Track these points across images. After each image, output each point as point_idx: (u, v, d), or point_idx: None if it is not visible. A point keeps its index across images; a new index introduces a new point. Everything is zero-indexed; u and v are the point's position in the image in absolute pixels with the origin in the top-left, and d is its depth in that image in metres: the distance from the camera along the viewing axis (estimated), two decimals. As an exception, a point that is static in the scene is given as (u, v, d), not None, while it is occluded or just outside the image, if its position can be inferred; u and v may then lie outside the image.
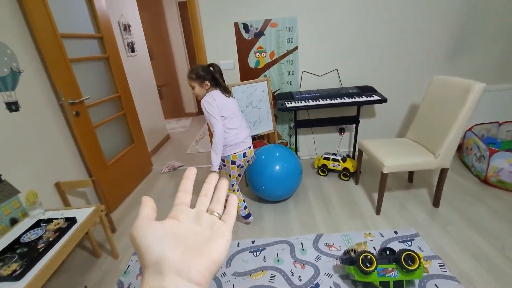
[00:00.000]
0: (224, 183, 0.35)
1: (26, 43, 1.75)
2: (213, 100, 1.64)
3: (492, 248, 1.65)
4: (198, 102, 3.75)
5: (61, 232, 1.44)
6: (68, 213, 1.64)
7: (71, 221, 1.53)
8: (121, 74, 2.59)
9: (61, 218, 1.55)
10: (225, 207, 0.34)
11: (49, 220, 1.55)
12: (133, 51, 3.17)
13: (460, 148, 2.62)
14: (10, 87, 1.62)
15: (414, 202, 2.14)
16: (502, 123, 2.62)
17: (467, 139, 2.53)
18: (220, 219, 0.32)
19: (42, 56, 1.81)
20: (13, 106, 1.63)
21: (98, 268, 1.78)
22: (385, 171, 1.85)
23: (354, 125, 2.67)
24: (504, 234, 1.74)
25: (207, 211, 0.32)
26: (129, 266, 1.76)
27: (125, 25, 3.03)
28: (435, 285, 1.45)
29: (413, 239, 1.77)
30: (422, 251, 1.67)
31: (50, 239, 1.40)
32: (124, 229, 2.15)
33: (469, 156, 2.50)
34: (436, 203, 2.04)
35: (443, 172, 1.92)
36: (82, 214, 1.62)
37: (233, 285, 1.55)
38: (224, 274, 1.63)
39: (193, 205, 0.33)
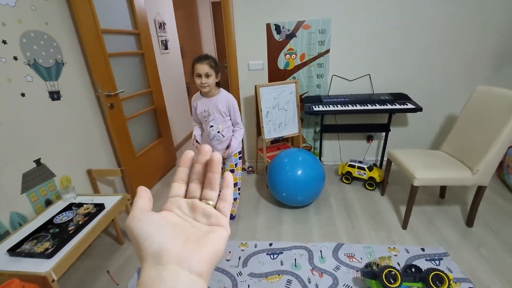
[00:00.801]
0: (218, 158, 0.31)
1: (71, 37, 1.87)
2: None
3: (533, 277, 1.50)
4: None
5: (90, 216, 1.52)
6: (97, 200, 1.72)
7: (100, 207, 1.60)
8: (154, 70, 2.69)
9: (91, 204, 1.63)
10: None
11: (80, 205, 1.63)
12: (166, 48, 3.28)
13: (500, 166, 2.42)
14: (54, 77, 1.74)
15: (445, 219, 2.00)
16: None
17: (508, 156, 2.33)
18: (215, 207, 0.30)
19: (84, 50, 1.93)
20: (55, 95, 1.75)
21: (121, 254, 1.86)
22: (415, 184, 1.75)
23: (384, 133, 2.56)
24: (548, 263, 1.57)
25: (200, 199, 0.30)
26: (149, 255, 1.82)
27: (160, 23, 3.14)
28: (465, 311, 1.35)
29: (442, 259, 1.65)
30: (451, 272, 1.56)
31: (80, 223, 1.48)
32: (146, 219, 2.22)
33: (510, 175, 2.30)
34: (470, 222, 1.89)
35: (480, 190, 1.78)
36: (110, 201, 1.70)
37: (249, 285, 1.54)
38: (240, 273, 1.63)
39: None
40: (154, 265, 0.22)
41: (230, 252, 1.80)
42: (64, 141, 1.82)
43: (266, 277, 1.59)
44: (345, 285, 1.52)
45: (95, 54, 1.95)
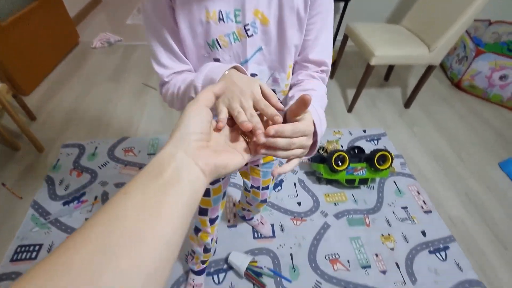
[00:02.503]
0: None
1: None
2: None
3: (450, 149, 1.68)
4: None
5: None
6: None
7: None
8: None
9: None
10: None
11: None
12: None
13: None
14: None
15: (386, 101, 2.01)
16: (493, 22, 2.37)
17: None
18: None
19: None
20: None
21: (18, 162, 1.43)
22: (372, 63, 1.57)
23: (342, 3, 2.16)
24: (464, 138, 1.77)
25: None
26: (59, 160, 1.44)
27: None
28: (394, 181, 1.48)
29: (380, 138, 1.71)
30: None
31: None
32: (46, 117, 1.69)
33: (450, 57, 2.32)
34: (408, 104, 1.94)
35: (430, 69, 1.72)
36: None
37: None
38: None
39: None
40: (173, 147, 0.26)
41: (165, 148, 1.53)
42: None
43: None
44: (291, 170, 1.49)
45: None
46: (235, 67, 0.42)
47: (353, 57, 2.40)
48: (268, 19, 0.48)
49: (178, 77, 0.51)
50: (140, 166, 1.43)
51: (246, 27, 0.48)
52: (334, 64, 2.11)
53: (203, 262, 0.99)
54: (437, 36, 1.56)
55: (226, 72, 0.41)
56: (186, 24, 0.47)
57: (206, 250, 0.91)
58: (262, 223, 1.23)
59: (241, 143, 0.33)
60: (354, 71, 2.27)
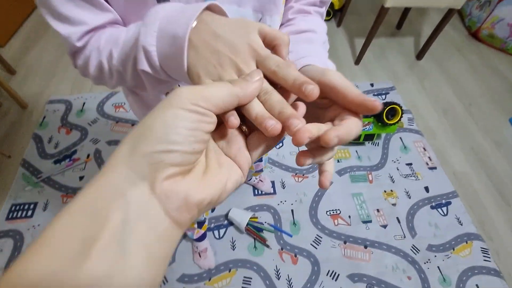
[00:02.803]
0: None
1: None
2: None
3: (460, 104, 1.59)
4: None
5: None
6: None
7: None
8: None
9: None
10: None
11: None
12: None
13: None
14: None
15: (397, 52, 1.85)
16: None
17: (477, -23, 2.03)
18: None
19: None
20: None
21: (2, 119, 1.34)
22: (387, 5, 1.38)
23: None
24: (476, 92, 1.66)
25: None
26: (45, 117, 1.35)
27: None
28: (400, 138, 1.41)
29: (388, 93, 1.60)
30: (395, 105, 1.55)
31: None
32: (27, 71, 1.55)
33: (470, 2, 2.09)
34: (420, 55, 1.78)
35: (450, 14, 1.54)
36: None
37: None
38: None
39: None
40: (130, 170, 0.14)
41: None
42: None
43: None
44: (293, 127, 1.41)
45: None
46: (208, 8, 0.24)
47: (363, 1, 2.15)
48: None
49: (101, 37, 0.30)
50: (133, 123, 1.35)
51: None
52: (342, 10, 1.89)
53: (199, 226, 0.96)
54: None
55: (194, 23, 0.23)
56: None
57: None
58: (262, 181, 1.19)
59: (237, 144, 0.21)
60: (364, 18, 2.05)
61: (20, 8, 1.79)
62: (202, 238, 1.00)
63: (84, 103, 1.40)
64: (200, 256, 1.00)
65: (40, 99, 1.42)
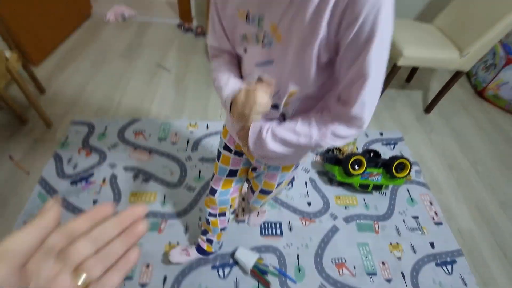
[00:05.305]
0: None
1: None
2: None
3: (466, 160, 1.63)
4: None
5: None
6: None
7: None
8: None
9: None
10: None
11: None
12: None
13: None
14: None
15: (406, 104, 1.94)
16: (527, 27, 2.24)
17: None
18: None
19: None
20: None
21: (25, 136, 1.40)
22: (400, 63, 1.49)
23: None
24: (481, 149, 1.71)
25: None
26: (67, 137, 1.41)
27: None
28: (407, 189, 1.44)
29: (397, 143, 1.66)
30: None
31: None
32: (56, 89, 1.65)
33: (476, 63, 2.21)
34: (428, 109, 1.87)
35: (457, 75, 1.64)
36: (-28, 61, 1.07)
37: (200, 171, 1.36)
38: (189, 158, 1.40)
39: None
40: None
41: (176, 134, 1.50)
42: None
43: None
44: (303, 168, 1.45)
45: None
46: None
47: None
48: (281, 36, 0.44)
49: (221, 63, 0.59)
50: (150, 151, 1.40)
51: (264, 35, 0.47)
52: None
53: (203, 233, 0.99)
54: (471, 41, 1.47)
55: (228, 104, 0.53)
56: (224, 15, 0.52)
57: (206, 219, 0.94)
58: (257, 213, 1.20)
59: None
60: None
61: (58, 32, 1.94)
62: (198, 249, 1.02)
63: (106, 127, 1.47)
64: (181, 251, 1.04)
65: (65, 119, 1.50)
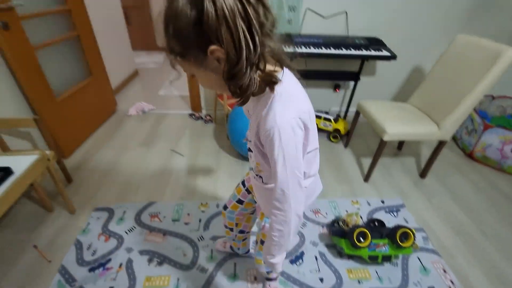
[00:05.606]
0: None
1: None
2: (299, 121, 0.56)
3: (471, 222, 1.66)
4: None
5: (-9, 186, 1.11)
6: (3, 161, 1.27)
7: (5, 172, 1.18)
8: (70, -21, 1.93)
9: (-10, 169, 1.19)
10: None
11: (-27, 170, 1.18)
12: (87, -51, 2.38)
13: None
14: None
15: (402, 171, 2.07)
16: (496, 97, 2.54)
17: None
18: None
19: None
20: None
21: (50, 224, 1.51)
22: (385, 139, 1.69)
23: (352, 82, 2.41)
24: (483, 209, 1.75)
25: None
26: (89, 224, 1.52)
27: None
28: (418, 257, 1.44)
29: (399, 210, 1.72)
30: (407, 222, 1.64)
31: (-25, 196, 1.07)
32: (81, 179, 1.83)
33: (458, 128, 2.44)
34: (423, 174, 1.99)
35: (441, 144, 1.82)
36: (22, 162, 1.27)
37: (212, 250, 1.41)
38: (202, 238, 1.47)
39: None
40: None
41: (189, 214, 1.60)
42: None
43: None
44: (311, 242, 1.49)
45: None
46: None
47: (366, 126, 2.55)
48: (250, 130, 0.69)
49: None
50: (164, 233, 1.48)
51: (249, 127, 0.71)
52: (348, 133, 2.25)
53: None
54: (445, 114, 1.69)
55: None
56: None
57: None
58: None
59: None
60: (367, 139, 2.40)
61: (88, 128, 2.26)
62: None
63: (124, 212, 1.59)
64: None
65: (88, 206, 1.63)
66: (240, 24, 0.42)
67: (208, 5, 0.40)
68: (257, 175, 0.75)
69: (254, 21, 0.43)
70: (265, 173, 0.71)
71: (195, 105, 2.67)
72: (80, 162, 1.98)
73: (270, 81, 0.52)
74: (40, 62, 1.70)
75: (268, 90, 0.54)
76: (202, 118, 2.59)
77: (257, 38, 0.44)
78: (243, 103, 0.53)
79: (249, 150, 0.73)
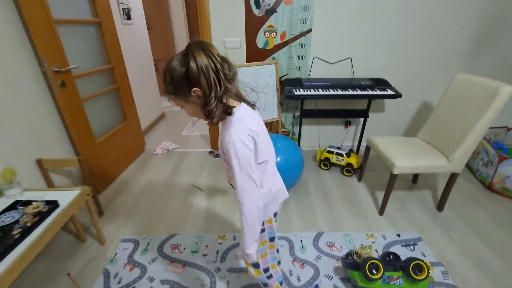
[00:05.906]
0: None
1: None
2: (248, 137, 0.78)
3: (494, 256, 1.60)
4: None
5: (41, 217, 1.29)
6: (50, 195, 1.48)
7: (53, 205, 1.38)
8: (114, 43, 2.35)
9: (41, 201, 1.40)
10: None
11: (28, 202, 1.39)
12: (129, 18, 2.89)
13: (466, 151, 2.54)
14: (-16, 47, 1.40)
15: (417, 204, 2.07)
16: (511, 128, 2.54)
17: (474, 142, 2.45)
18: None
19: (21, 14, 1.57)
20: (-13, 70, 1.42)
21: (83, 254, 1.66)
22: (395, 172, 1.75)
23: (362, 119, 2.54)
24: (506, 242, 1.69)
25: None
26: (116, 253, 1.64)
27: (121, -12, 2.73)
28: (438, 294, 1.40)
29: (416, 244, 1.70)
30: (425, 256, 1.61)
31: (28, 224, 1.25)
32: (112, 212, 2.01)
33: (475, 160, 2.43)
34: (440, 207, 1.97)
35: (453, 177, 1.84)
36: (66, 197, 1.47)
37: (228, 282, 1.46)
38: (219, 269, 1.53)
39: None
40: None
41: (207, 246, 1.69)
42: (4, 127, 1.52)
43: (247, 271, 1.52)
44: (326, 275, 1.50)
45: (37, 19, 1.61)
46: None
47: (379, 160, 2.61)
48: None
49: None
50: (184, 264, 1.57)
51: None
52: (361, 167, 2.32)
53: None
54: (454, 148, 1.74)
55: None
56: None
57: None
58: None
59: None
60: (380, 173, 2.44)
61: (120, 166, 2.51)
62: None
63: (148, 243, 1.71)
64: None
65: (116, 237, 1.77)
66: (212, 74, 0.69)
67: (192, 64, 0.67)
68: (229, 181, 1.00)
69: (221, 73, 0.70)
70: (233, 179, 0.85)
71: (215, 143, 2.89)
72: (111, 197, 2.18)
73: (226, 111, 0.77)
74: (86, 110, 2.02)
75: (229, 117, 0.78)
76: (213, 152, 2.78)
77: (222, 83, 0.71)
78: (213, 124, 0.78)
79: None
